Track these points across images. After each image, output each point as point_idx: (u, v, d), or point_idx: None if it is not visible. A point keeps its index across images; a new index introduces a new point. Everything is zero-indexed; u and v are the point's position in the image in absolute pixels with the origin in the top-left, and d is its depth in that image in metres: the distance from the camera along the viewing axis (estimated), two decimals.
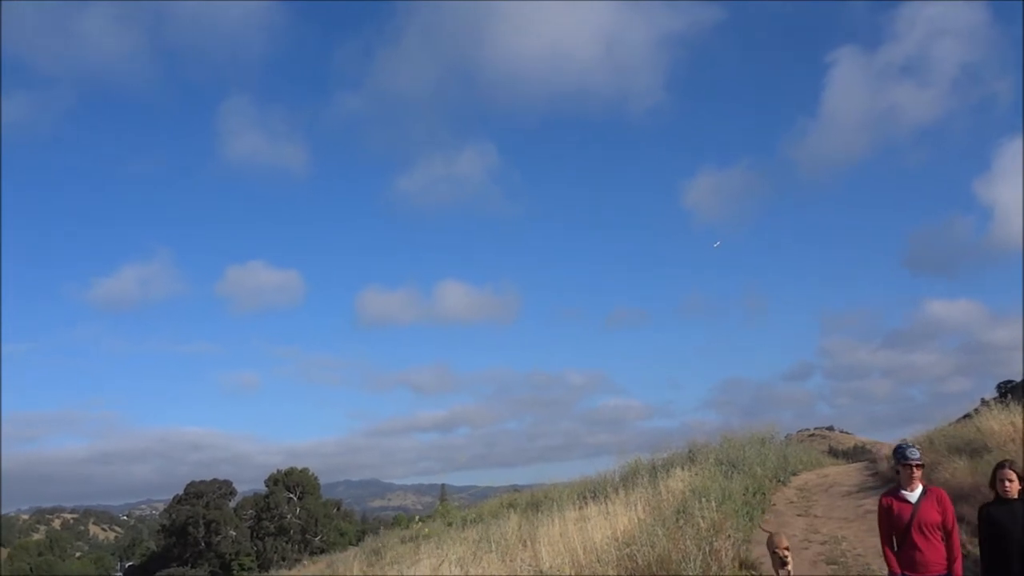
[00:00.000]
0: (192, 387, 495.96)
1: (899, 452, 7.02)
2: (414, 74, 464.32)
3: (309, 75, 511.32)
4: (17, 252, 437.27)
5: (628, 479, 19.60)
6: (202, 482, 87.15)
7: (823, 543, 12.43)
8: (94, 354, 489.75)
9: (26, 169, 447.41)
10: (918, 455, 6.89)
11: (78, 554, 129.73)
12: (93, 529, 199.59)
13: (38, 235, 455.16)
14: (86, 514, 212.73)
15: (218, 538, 79.62)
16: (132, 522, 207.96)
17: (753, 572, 10.14)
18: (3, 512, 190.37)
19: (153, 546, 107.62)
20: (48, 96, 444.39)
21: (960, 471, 13.60)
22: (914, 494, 6.87)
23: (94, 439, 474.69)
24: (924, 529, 6.70)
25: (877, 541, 12.04)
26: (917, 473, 6.88)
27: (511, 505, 24.33)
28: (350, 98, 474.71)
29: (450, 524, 25.10)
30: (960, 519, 11.18)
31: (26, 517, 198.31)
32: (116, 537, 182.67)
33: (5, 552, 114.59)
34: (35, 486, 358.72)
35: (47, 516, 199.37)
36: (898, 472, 7.08)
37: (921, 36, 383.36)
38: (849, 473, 21.13)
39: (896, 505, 6.94)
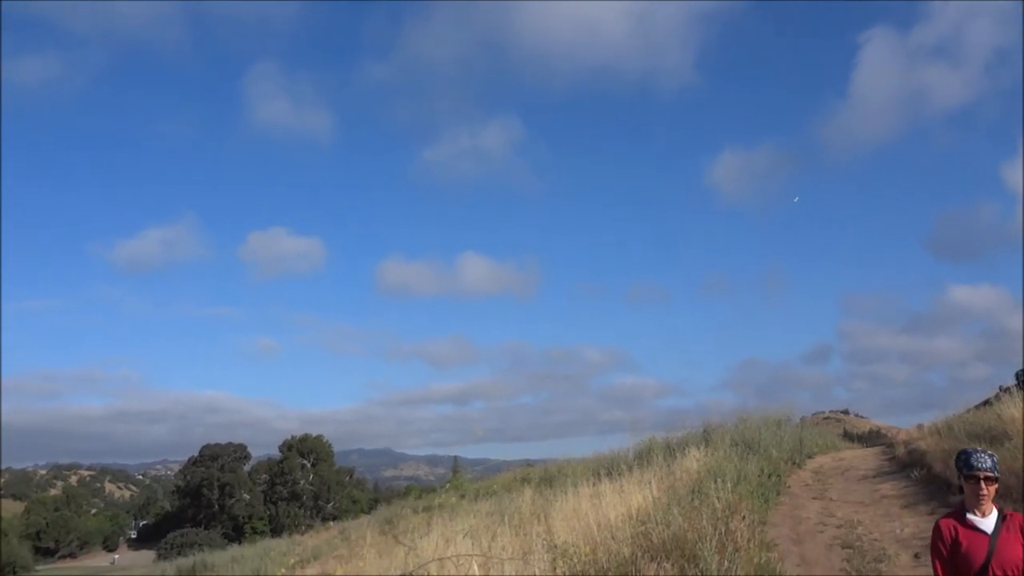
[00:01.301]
0: (212, 351, 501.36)
1: (963, 460, 4.92)
2: (442, 46, 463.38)
3: (338, 43, 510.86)
4: (45, 210, 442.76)
5: (642, 457, 19.60)
6: (217, 445, 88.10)
7: (839, 527, 12.38)
8: (117, 314, 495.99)
9: (56, 128, 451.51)
10: (990, 463, 4.84)
11: (93, 511, 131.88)
12: (109, 487, 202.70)
13: (66, 194, 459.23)
14: (102, 472, 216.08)
15: (232, 501, 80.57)
16: (147, 481, 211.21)
17: (769, 554, 10.11)
18: (20, 467, 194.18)
19: (167, 506, 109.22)
20: (79, 57, 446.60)
21: None
22: (988, 521, 4.79)
23: (114, 398, 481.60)
24: (1008, 572, 4.67)
25: (894, 526, 12.05)
26: (989, 490, 4.80)
27: (524, 479, 24.44)
28: (378, 68, 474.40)
29: (463, 496, 25.23)
30: None
31: (43, 472, 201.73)
32: (131, 496, 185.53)
33: (22, 506, 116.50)
34: (54, 442, 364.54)
35: (64, 472, 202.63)
36: (960, 489, 4.94)
37: (955, 17, 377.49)
38: (865, 457, 21.04)
39: (964, 535, 4.81)
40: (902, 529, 11.64)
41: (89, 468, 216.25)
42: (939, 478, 14.23)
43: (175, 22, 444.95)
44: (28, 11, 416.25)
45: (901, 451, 18.93)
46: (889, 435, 31.51)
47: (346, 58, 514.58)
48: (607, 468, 19.23)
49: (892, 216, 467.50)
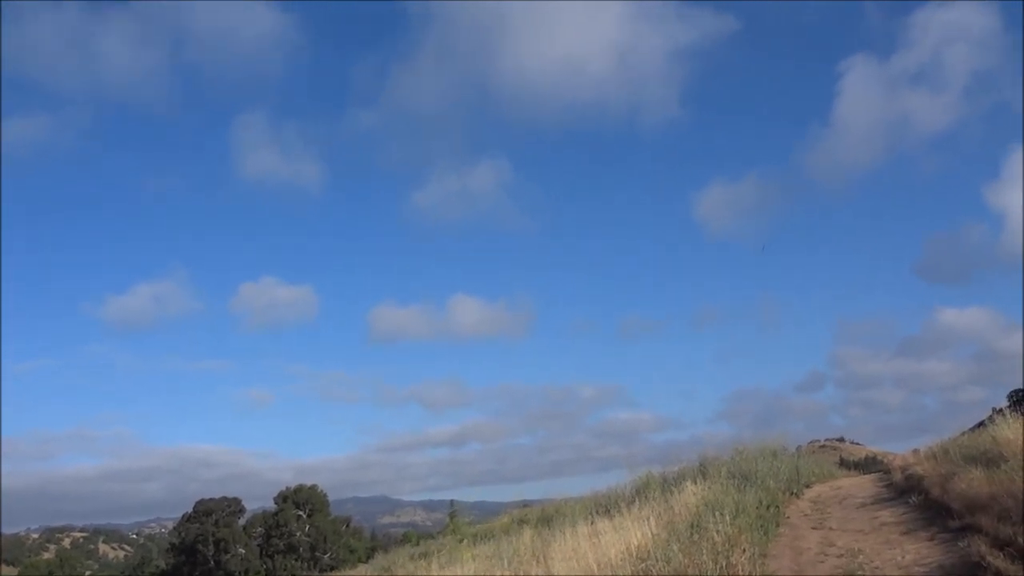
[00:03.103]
0: (204, 405, 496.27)
1: None
2: (428, 90, 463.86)
3: (324, 92, 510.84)
4: (33, 270, 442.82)
5: (640, 493, 19.50)
6: (211, 500, 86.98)
7: (840, 556, 12.30)
8: (108, 372, 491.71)
9: (44, 188, 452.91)
10: None
11: (88, 573, 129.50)
12: (103, 548, 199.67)
13: (54, 253, 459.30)
14: (96, 533, 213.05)
15: (227, 556, 79.38)
16: (141, 540, 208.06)
17: None
18: (13, 531, 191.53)
19: (162, 564, 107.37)
20: (66, 116, 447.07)
21: (977, 481, 13.47)
22: None
23: (106, 457, 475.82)
24: None
25: (895, 553, 11.99)
26: None
27: (522, 520, 24.24)
28: (365, 115, 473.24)
29: (461, 540, 24.98)
30: (978, 530, 11.10)
31: (36, 536, 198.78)
32: (126, 556, 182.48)
33: (15, 571, 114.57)
34: (45, 504, 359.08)
35: (57, 535, 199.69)
36: None
37: (934, 43, 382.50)
38: (863, 485, 20.99)
39: None
40: (903, 556, 11.58)
41: (82, 530, 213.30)
42: (937, 503, 14.20)
43: (160, 78, 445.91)
44: (16, 72, 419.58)
45: (898, 477, 18.91)
46: (885, 461, 31.45)
47: (333, 106, 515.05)
48: (605, 506, 19.12)
49: (880, 241, 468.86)
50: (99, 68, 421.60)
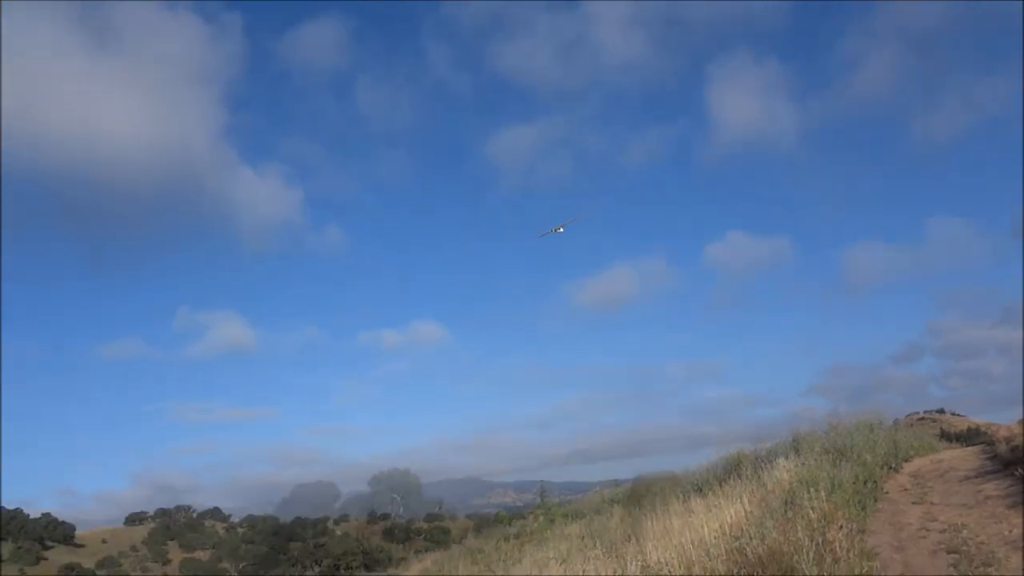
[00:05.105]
0: (299, 390, 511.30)
1: None
2: None
3: None
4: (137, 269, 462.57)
5: (732, 470, 19.29)
6: (309, 484, 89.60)
7: (942, 531, 11.96)
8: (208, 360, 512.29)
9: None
10: None
11: (197, 552, 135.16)
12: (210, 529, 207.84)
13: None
14: (202, 515, 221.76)
15: (325, 538, 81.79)
16: (244, 525, 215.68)
17: (870, 563, 9.83)
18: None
19: (265, 547, 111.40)
20: None
21: None
22: None
23: (209, 444, 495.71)
24: None
25: (1001, 528, 11.58)
26: None
27: (613, 500, 24.28)
28: None
29: (552, 520, 25.16)
30: None
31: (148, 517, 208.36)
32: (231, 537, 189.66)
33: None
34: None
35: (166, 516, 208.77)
36: None
37: None
38: (965, 457, 20.28)
39: None
40: (1010, 530, 11.19)
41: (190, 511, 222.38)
42: None
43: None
44: None
45: (1003, 449, 18.17)
46: (989, 432, 30.30)
47: None
48: (697, 484, 18.99)
49: (979, 204, 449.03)
50: None
